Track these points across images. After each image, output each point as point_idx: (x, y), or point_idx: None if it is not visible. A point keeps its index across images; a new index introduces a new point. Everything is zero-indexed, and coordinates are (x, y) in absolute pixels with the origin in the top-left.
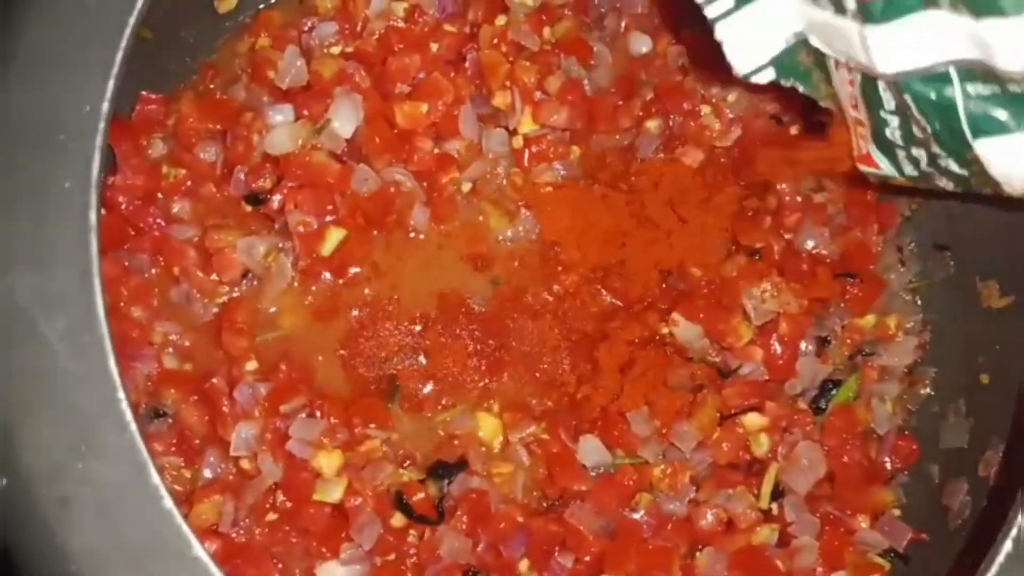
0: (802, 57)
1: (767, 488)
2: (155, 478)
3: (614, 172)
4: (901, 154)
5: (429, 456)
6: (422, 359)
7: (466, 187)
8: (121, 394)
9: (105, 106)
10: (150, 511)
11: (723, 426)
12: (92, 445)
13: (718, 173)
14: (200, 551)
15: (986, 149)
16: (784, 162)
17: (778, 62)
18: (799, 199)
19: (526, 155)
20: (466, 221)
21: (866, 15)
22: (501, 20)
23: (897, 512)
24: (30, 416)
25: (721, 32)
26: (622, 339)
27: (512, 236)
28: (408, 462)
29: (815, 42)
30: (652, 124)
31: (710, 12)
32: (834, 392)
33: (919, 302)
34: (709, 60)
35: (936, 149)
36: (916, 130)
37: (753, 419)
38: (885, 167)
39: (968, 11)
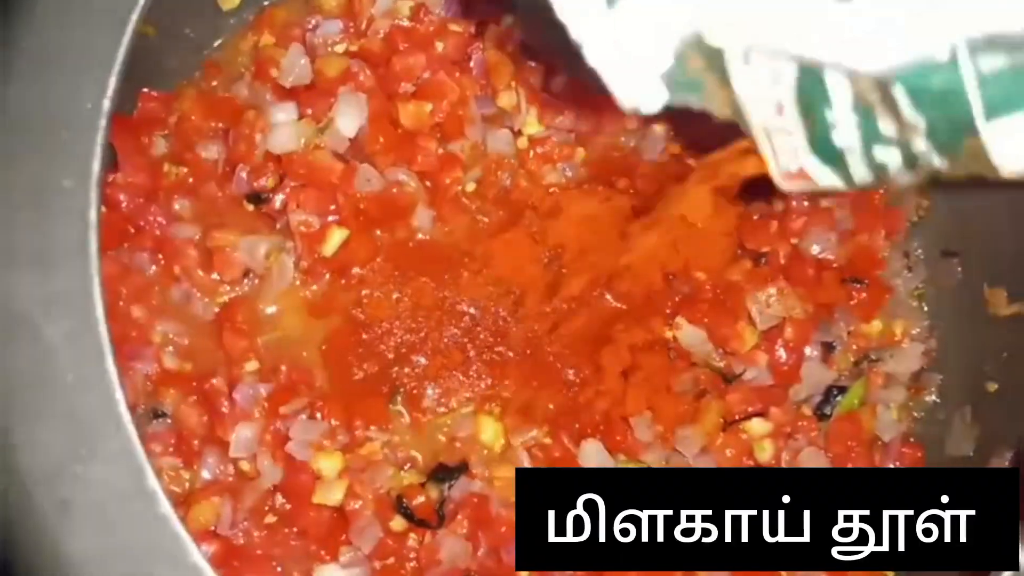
0: (693, 63)
1: None
2: (153, 482)
3: (619, 174)
4: (854, 159)
5: (430, 459)
6: (423, 361)
7: (470, 188)
8: (120, 397)
9: (106, 103)
10: (147, 516)
11: (726, 432)
12: (91, 448)
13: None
14: (197, 556)
15: (1002, 128)
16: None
17: (669, 77)
18: (805, 203)
19: (531, 156)
20: (470, 222)
21: None
22: (507, 20)
23: None
24: (28, 418)
25: (594, 55)
26: (626, 343)
27: (515, 238)
28: (408, 465)
29: (719, 37)
30: (658, 126)
31: (576, 28)
32: (839, 398)
33: (926, 308)
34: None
35: (920, 146)
36: (887, 127)
37: (757, 425)
38: (825, 179)
39: None
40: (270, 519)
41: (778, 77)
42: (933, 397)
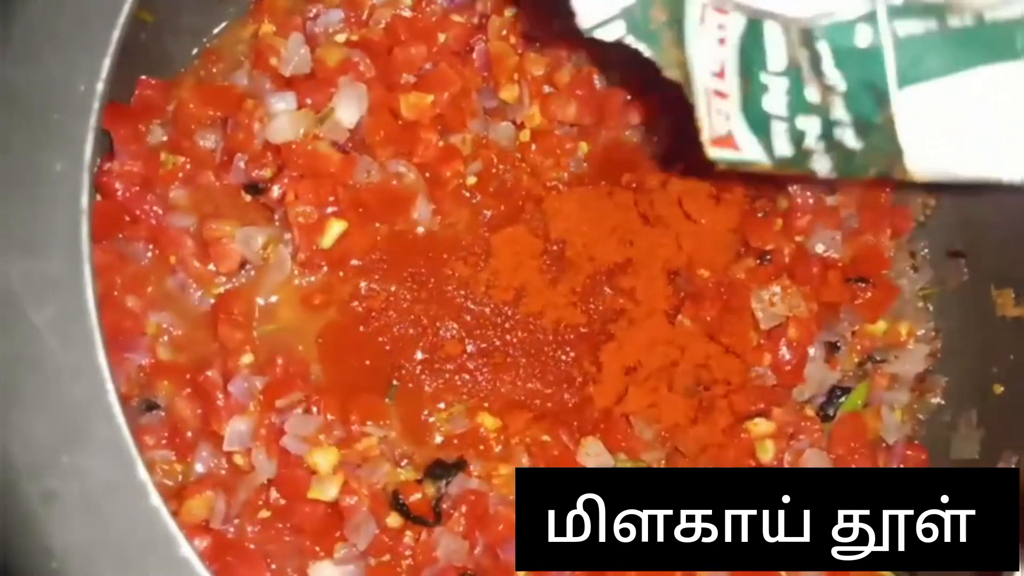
0: (655, 12)
1: None
2: (143, 474)
3: (622, 169)
4: (779, 128)
5: (427, 455)
6: (421, 356)
7: (471, 181)
8: (110, 386)
9: (100, 86)
10: (137, 508)
11: (728, 431)
12: (79, 438)
13: (728, 172)
14: (187, 550)
15: (911, 100)
16: None
17: (630, 15)
18: (811, 201)
19: (533, 150)
20: (470, 216)
21: None
22: (510, 11)
23: None
24: (15, 406)
25: None
26: (628, 340)
27: (516, 232)
28: (405, 461)
29: None
30: (662, 121)
31: None
32: (842, 399)
33: (931, 309)
34: None
35: (838, 113)
36: (812, 93)
37: (759, 425)
38: (749, 149)
39: None
40: (264, 514)
41: (725, 37)
42: (938, 399)
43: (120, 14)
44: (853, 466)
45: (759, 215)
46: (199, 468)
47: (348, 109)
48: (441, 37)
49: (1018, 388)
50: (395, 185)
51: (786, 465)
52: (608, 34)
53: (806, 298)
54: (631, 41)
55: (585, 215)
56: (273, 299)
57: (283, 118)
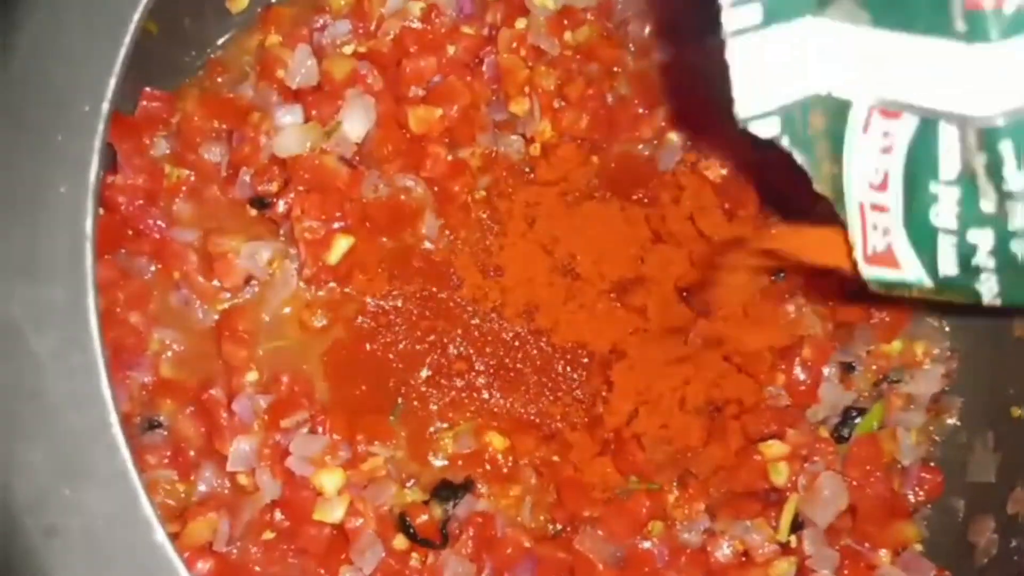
0: (815, 118)
1: (786, 519)
2: (147, 509)
3: (633, 184)
4: (946, 243)
5: (433, 476)
6: (428, 373)
7: (480, 195)
8: (114, 417)
9: (105, 106)
10: (141, 544)
11: (741, 453)
12: (81, 471)
13: (741, 189)
14: None
15: None
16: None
17: (787, 114)
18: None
19: (543, 164)
20: (479, 231)
21: (976, 32)
22: (521, 23)
23: (920, 547)
24: (16, 437)
25: (734, 51)
26: (639, 359)
27: (526, 248)
28: (412, 482)
29: (849, 89)
30: (674, 136)
31: (729, 21)
32: (857, 420)
33: (947, 329)
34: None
35: (1018, 223)
36: (987, 203)
37: (773, 447)
38: (909, 268)
39: None
40: (268, 536)
41: (891, 144)
42: (954, 420)
43: (126, 33)
44: (869, 489)
45: (773, 232)
46: (202, 488)
47: (355, 122)
48: (450, 49)
49: None
50: (403, 200)
51: (800, 488)
52: (763, 129)
53: (821, 317)
54: (785, 143)
55: (596, 231)
56: (279, 315)
57: (289, 131)
